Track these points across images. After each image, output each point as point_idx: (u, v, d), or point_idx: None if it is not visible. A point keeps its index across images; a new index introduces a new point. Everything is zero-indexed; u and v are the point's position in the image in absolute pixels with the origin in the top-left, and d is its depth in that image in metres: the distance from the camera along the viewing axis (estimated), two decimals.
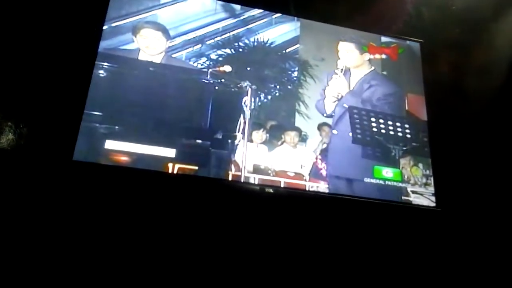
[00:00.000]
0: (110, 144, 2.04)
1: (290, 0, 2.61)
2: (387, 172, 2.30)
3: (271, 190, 2.13)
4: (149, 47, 2.27)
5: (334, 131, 2.34)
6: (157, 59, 2.28)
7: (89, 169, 1.97)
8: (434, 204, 2.29)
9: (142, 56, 2.26)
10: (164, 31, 2.31)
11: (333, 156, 2.29)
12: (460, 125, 2.63)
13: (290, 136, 2.28)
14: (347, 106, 2.39)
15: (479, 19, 2.96)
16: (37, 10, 2.19)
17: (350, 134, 2.35)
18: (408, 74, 2.62)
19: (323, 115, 2.38)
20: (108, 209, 1.97)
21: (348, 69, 2.50)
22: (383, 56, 2.59)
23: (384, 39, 2.66)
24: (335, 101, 2.41)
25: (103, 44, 2.23)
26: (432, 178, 2.35)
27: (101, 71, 2.17)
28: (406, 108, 2.51)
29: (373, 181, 2.27)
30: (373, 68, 2.54)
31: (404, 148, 2.40)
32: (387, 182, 2.29)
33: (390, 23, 2.77)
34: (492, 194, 2.47)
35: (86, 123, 2.05)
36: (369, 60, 2.55)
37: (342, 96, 2.43)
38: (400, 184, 2.30)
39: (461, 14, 2.96)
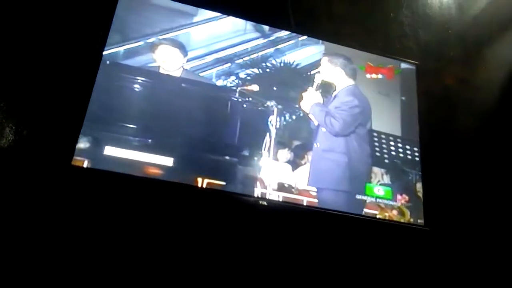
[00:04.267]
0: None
1: (290, 16, 2.70)
2: (379, 190, 2.38)
3: (265, 203, 2.19)
4: (166, 61, 2.34)
5: (315, 144, 2.40)
6: (176, 74, 2.35)
7: (112, 177, 2.04)
8: (422, 223, 2.36)
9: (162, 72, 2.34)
10: (181, 47, 2.38)
11: (320, 171, 2.35)
12: (451, 146, 2.73)
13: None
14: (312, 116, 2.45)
15: (474, 42, 3.09)
16: (43, 11, 2.25)
17: (318, 144, 2.40)
18: (400, 93, 2.69)
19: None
20: (129, 220, 2.05)
21: (330, 84, 2.54)
22: (380, 76, 2.67)
23: (381, 59, 2.72)
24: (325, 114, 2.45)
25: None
26: (422, 197, 2.42)
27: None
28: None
29: (364, 198, 2.35)
30: (353, 84, 2.56)
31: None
32: (378, 200, 2.36)
33: (388, 43, 2.89)
34: (482, 214, 2.57)
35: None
36: (354, 75, 2.59)
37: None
38: (391, 203, 2.38)
39: (457, 38, 3.08)
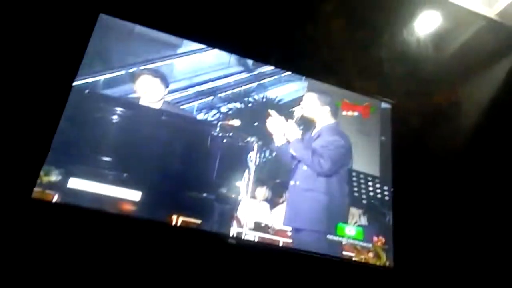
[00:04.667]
0: (115, 191, 2.06)
1: (271, 51, 2.70)
2: (350, 230, 2.37)
3: (234, 242, 2.15)
4: (147, 92, 2.30)
5: (292, 182, 2.38)
6: (157, 106, 2.32)
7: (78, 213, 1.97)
8: (392, 265, 2.36)
9: (142, 103, 2.30)
10: (162, 77, 2.35)
11: (293, 209, 2.33)
12: (424, 186, 2.75)
13: None
14: (294, 153, 2.43)
15: (448, 81, 3.16)
16: (17, 37, 2.19)
17: (298, 182, 2.38)
18: (380, 132, 2.71)
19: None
20: (99, 258, 1.98)
21: (311, 120, 2.55)
22: (355, 113, 2.70)
23: (357, 96, 2.75)
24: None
25: (114, 91, 2.26)
26: (391, 238, 2.42)
27: (111, 115, 2.20)
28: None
29: (335, 238, 2.33)
30: (334, 122, 2.58)
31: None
32: (348, 240, 2.35)
33: (365, 82, 2.92)
34: (453, 256, 2.58)
35: (91, 168, 2.07)
36: (335, 113, 2.61)
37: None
38: (361, 243, 2.37)
39: (434, 77, 3.14)
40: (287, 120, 2.51)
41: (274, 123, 2.46)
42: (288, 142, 2.45)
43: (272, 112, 2.48)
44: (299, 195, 2.37)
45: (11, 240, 1.86)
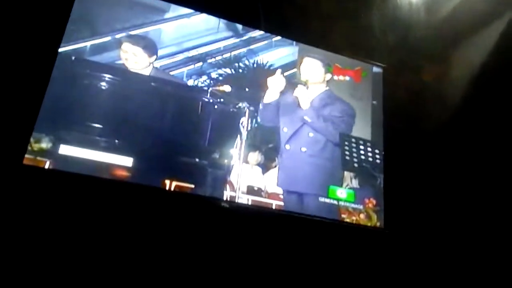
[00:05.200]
0: (107, 158, 2.05)
1: (261, 16, 2.66)
2: (341, 193, 2.40)
3: (227, 205, 2.19)
4: (128, 60, 2.26)
5: (287, 146, 2.40)
6: (146, 72, 2.28)
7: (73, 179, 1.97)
8: (382, 226, 2.41)
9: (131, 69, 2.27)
10: (146, 47, 2.29)
11: (288, 173, 2.36)
12: (416, 149, 2.77)
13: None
14: (309, 120, 2.45)
15: (440, 46, 3.13)
16: None
17: (304, 149, 2.40)
18: (372, 97, 2.71)
19: (283, 129, 2.43)
20: (95, 223, 1.99)
21: (308, 85, 2.54)
22: (347, 78, 2.69)
23: (348, 61, 2.74)
24: (292, 114, 2.46)
25: (101, 58, 2.22)
26: (382, 200, 2.46)
27: (98, 82, 2.17)
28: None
29: (327, 200, 2.37)
30: (328, 88, 2.60)
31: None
32: (340, 203, 2.39)
33: (357, 46, 2.89)
34: (441, 218, 2.62)
35: (82, 134, 2.05)
36: (328, 80, 2.62)
37: (300, 109, 2.48)
38: (353, 205, 2.41)
39: (425, 40, 3.10)
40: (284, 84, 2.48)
41: (276, 81, 2.44)
42: (300, 108, 2.45)
43: (278, 71, 2.47)
44: (299, 160, 2.39)
45: (4, 206, 1.85)
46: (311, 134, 2.42)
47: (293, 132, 2.43)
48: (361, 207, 2.41)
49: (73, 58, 2.15)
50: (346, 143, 2.50)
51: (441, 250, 2.52)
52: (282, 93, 2.46)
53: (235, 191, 2.20)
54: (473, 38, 3.24)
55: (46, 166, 1.93)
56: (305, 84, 2.50)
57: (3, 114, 1.96)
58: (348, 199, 2.39)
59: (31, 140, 1.94)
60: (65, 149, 1.98)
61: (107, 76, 2.18)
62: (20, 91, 2.02)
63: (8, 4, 2.13)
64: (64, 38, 2.16)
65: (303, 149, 2.39)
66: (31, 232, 1.87)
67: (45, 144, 1.95)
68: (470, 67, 3.15)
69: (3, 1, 2.12)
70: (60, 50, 2.12)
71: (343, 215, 2.36)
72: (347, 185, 2.44)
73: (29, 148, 1.93)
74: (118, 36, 2.28)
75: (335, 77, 2.66)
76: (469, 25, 3.22)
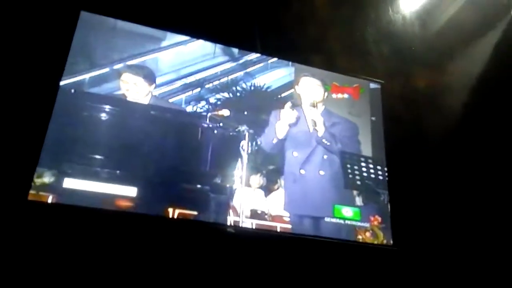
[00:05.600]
0: (109, 189, 2.06)
1: (257, 38, 2.69)
2: (347, 212, 2.38)
3: (232, 230, 2.17)
4: (129, 90, 2.28)
5: (302, 171, 2.40)
6: (145, 101, 2.31)
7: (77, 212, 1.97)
8: (389, 243, 2.38)
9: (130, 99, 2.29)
10: (145, 75, 2.32)
11: (298, 197, 2.35)
12: (418, 164, 2.76)
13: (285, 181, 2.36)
14: (327, 143, 2.47)
15: (437, 59, 3.15)
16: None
17: (322, 172, 2.41)
18: (370, 113, 2.72)
19: (292, 153, 2.43)
20: (100, 255, 1.98)
21: (314, 105, 2.57)
22: (346, 96, 2.70)
23: (346, 79, 2.75)
24: (305, 138, 2.47)
25: (100, 89, 2.25)
26: (387, 217, 2.44)
27: (99, 113, 2.19)
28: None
29: (333, 220, 2.35)
30: (324, 107, 2.61)
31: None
32: (346, 222, 2.37)
33: (353, 63, 2.92)
34: (449, 232, 2.60)
35: (84, 167, 2.06)
36: (325, 99, 2.63)
37: (316, 132, 2.50)
38: (359, 224, 2.39)
39: (421, 54, 3.13)
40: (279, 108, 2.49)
41: (287, 115, 2.47)
42: (315, 131, 2.48)
43: (287, 104, 2.50)
44: (315, 183, 2.39)
45: (10, 242, 1.85)
46: (325, 156, 2.43)
47: (306, 156, 2.43)
48: (367, 225, 2.39)
49: (72, 90, 2.17)
50: (348, 161, 2.50)
51: (452, 264, 2.48)
52: (291, 124, 2.47)
53: (239, 216, 2.20)
54: (469, 48, 3.27)
55: (49, 201, 1.93)
56: (314, 105, 2.50)
57: (5, 150, 1.97)
58: (354, 218, 2.37)
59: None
60: (67, 183, 1.99)
61: (107, 107, 2.20)
62: (23, 127, 2.04)
63: (5, 39, 2.16)
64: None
65: (321, 172, 2.41)
66: (38, 266, 1.86)
67: (47, 179, 1.96)
68: (467, 77, 3.16)
69: (2, 37, 2.15)
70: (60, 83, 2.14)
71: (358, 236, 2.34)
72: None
73: (32, 183, 1.93)
74: (116, 67, 2.31)
75: (334, 96, 2.67)
76: (464, 36, 3.26)
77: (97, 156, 2.09)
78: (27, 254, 1.87)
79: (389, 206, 2.47)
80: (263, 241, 2.22)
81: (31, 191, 1.92)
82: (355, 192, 2.45)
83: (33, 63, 2.17)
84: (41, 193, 1.93)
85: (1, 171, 1.92)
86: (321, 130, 2.50)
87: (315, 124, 2.51)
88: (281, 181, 2.37)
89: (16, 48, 2.18)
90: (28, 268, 1.85)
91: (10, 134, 2.02)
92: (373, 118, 2.72)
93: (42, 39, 2.23)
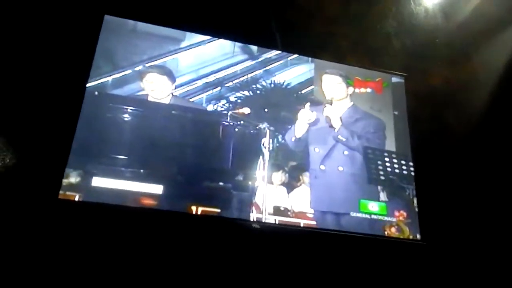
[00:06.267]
0: (134, 187, 2.09)
1: (277, 35, 2.68)
2: (373, 206, 2.34)
3: (258, 226, 2.16)
4: (154, 90, 2.32)
5: (322, 167, 2.38)
6: (166, 101, 2.34)
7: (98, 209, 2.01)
8: (419, 238, 2.33)
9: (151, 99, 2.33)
10: (169, 74, 2.37)
11: (322, 193, 2.33)
12: (444, 157, 2.70)
13: (308, 177, 2.34)
14: (343, 139, 2.44)
15: (461, 50, 3.08)
16: (26, 44, 2.24)
17: (341, 168, 2.39)
18: (392, 107, 2.67)
19: (314, 149, 2.42)
20: (124, 251, 2.02)
21: (333, 102, 2.53)
22: (368, 90, 2.66)
23: (368, 73, 2.71)
24: (325, 134, 2.45)
25: (122, 91, 2.29)
26: (412, 212, 2.39)
27: (122, 114, 2.22)
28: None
29: (359, 215, 2.31)
30: (352, 103, 2.59)
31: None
32: (372, 216, 2.33)
33: (375, 57, 2.87)
34: (477, 226, 2.53)
35: (109, 167, 2.10)
36: (351, 94, 2.61)
37: (333, 129, 2.47)
38: (386, 218, 2.34)
39: (445, 44, 3.07)
40: (299, 105, 2.48)
41: (305, 115, 2.46)
42: (332, 128, 2.45)
43: (307, 102, 2.49)
44: (336, 179, 2.37)
45: (40, 240, 1.92)
46: (346, 152, 2.41)
47: (327, 152, 2.41)
48: (392, 220, 2.34)
49: (96, 93, 2.22)
50: (371, 156, 2.46)
51: (478, 259, 2.41)
52: (312, 121, 2.46)
53: (262, 213, 2.19)
54: (493, 41, 3.18)
55: (76, 199, 1.98)
56: (330, 102, 2.49)
57: (36, 152, 2.03)
58: (381, 212, 2.33)
59: None
60: (93, 182, 2.02)
61: (130, 108, 2.24)
62: (53, 129, 2.10)
63: (37, 44, 2.23)
64: None
65: (340, 168, 2.38)
66: (68, 260, 1.92)
67: (73, 179, 2.00)
68: (492, 69, 3.08)
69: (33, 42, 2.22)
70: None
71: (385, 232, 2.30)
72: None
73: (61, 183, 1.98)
74: (137, 68, 2.35)
75: (357, 90, 2.64)
76: (488, 27, 3.17)
77: (121, 156, 2.13)
78: (59, 249, 1.93)
79: (415, 201, 2.41)
80: (288, 237, 2.21)
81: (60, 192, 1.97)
82: (379, 188, 2.41)
83: (61, 67, 2.24)
84: (68, 192, 1.98)
85: (33, 171, 1.97)
86: (337, 126, 2.46)
87: (330, 120, 2.47)
88: (304, 178, 2.35)
89: (45, 52, 2.25)
90: (59, 261, 1.91)
91: (40, 136, 2.07)
92: (396, 113, 2.67)
93: (69, 43, 2.30)
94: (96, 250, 1.97)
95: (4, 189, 1.96)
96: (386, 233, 2.29)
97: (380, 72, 2.74)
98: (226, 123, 2.35)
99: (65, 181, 1.98)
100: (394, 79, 2.77)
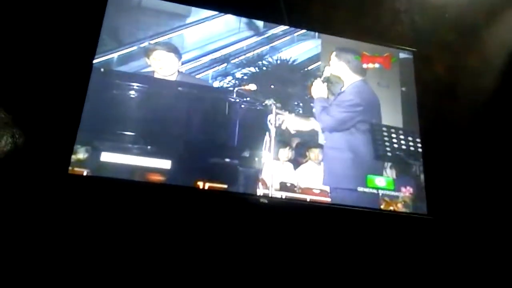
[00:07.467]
0: (141, 162, 2.10)
1: (283, 9, 2.64)
2: (380, 181, 2.34)
3: (266, 201, 2.17)
4: (162, 68, 2.31)
5: (329, 142, 2.38)
6: (172, 78, 2.33)
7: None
8: (425, 212, 2.33)
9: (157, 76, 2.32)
10: (176, 51, 2.35)
11: (330, 167, 2.34)
12: (452, 133, 2.68)
13: (315, 154, 2.34)
14: (350, 115, 2.44)
15: (472, 25, 3.00)
16: (31, 22, 2.22)
17: (348, 144, 2.39)
18: (400, 83, 2.64)
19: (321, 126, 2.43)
20: (132, 226, 2.04)
21: (338, 78, 2.52)
22: (377, 65, 2.62)
23: (376, 48, 2.67)
24: (331, 111, 2.44)
25: (128, 67, 2.28)
26: (424, 186, 2.39)
27: (128, 91, 2.22)
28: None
29: (366, 190, 2.32)
30: (361, 78, 2.56)
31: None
32: (380, 191, 2.33)
33: (383, 32, 2.82)
34: (486, 202, 2.52)
35: (117, 143, 2.11)
36: (360, 69, 2.57)
37: (339, 105, 2.47)
38: (393, 193, 2.34)
39: (454, 21, 2.99)
40: (305, 81, 2.48)
41: (317, 89, 2.46)
42: (339, 103, 2.45)
43: (317, 82, 2.48)
44: (326, 154, 2.37)
45: (51, 214, 1.95)
46: (353, 129, 2.41)
47: (334, 128, 2.41)
48: (400, 195, 2.34)
49: (102, 70, 2.22)
50: (377, 132, 2.45)
51: (486, 234, 2.42)
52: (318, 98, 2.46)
53: (268, 189, 2.20)
54: (507, 16, 3.10)
55: (84, 174, 2.00)
56: (338, 78, 2.49)
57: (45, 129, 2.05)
58: (388, 187, 2.33)
59: None
60: (101, 157, 2.04)
61: (136, 85, 2.24)
62: (61, 105, 2.11)
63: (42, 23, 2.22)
64: None
65: (347, 144, 2.38)
66: (79, 236, 1.96)
67: (81, 155, 2.02)
68: (504, 44, 3.01)
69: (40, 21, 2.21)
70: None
71: (381, 206, 2.30)
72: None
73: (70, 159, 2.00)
74: (143, 45, 2.33)
75: (364, 65, 2.61)
76: (502, 2, 3.08)
77: (127, 133, 2.14)
78: (70, 224, 1.97)
79: (421, 177, 2.41)
80: (295, 212, 2.22)
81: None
82: (385, 164, 2.40)
83: (68, 43, 2.22)
84: (76, 168, 2.00)
85: (43, 148, 1.99)
86: (344, 103, 2.46)
87: (337, 96, 2.47)
88: (310, 154, 2.35)
89: (51, 29, 2.23)
90: (71, 235, 1.95)
91: (48, 113, 2.08)
92: (403, 89, 2.64)
93: (75, 20, 2.27)
94: (104, 224, 2.00)
95: (14, 166, 1.98)
96: (391, 208, 2.29)
97: (389, 47, 2.69)
98: (232, 100, 2.35)
99: (73, 157, 2.00)
100: (402, 55, 2.72)
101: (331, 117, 2.41)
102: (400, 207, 2.31)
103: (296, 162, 2.31)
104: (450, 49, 2.94)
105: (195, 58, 2.41)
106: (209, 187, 2.12)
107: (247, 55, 2.50)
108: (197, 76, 2.39)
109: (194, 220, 2.11)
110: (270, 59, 2.52)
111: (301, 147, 2.34)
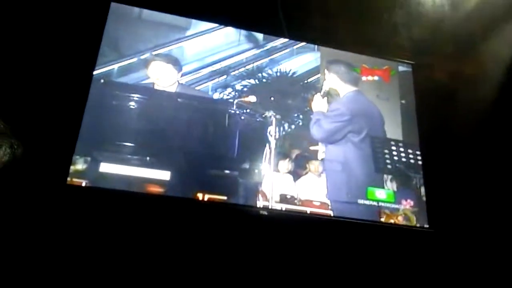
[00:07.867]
0: (140, 173, 2.08)
1: (282, 21, 2.66)
2: (380, 194, 2.33)
3: (265, 213, 2.16)
4: (159, 79, 2.31)
5: (329, 155, 2.37)
6: (172, 89, 2.33)
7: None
8: (427, 226, 2.31)
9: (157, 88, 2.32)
10: (175, 62, 2.35)
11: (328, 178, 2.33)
12: (452, 145, 2.67)
13: (315, 166, 2.34)
14: (349, 128, 2.43)
15: (469, 37, 3.03)
16: (32, 32, 2.23)
17: (348, 156, 2.38)
18: (399, 96, 2.65)
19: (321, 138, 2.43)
20: (131, 237, 2.02)
21: (335, 90, 2.53)
22: (376, 78, 2.63)
23: (376, 60, 2.69)
24: (331, 123, 2.44)
25: (128, 79, 2.28)
26: (419, 201, 2.37)
27: (128, 102, 2.22)
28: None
29: (366, 202, 2.30)
30: (358, 90, 2.57)
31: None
32: (380, 204, 2.31)
33: (382, 44, 2.85)
34: (487, 213, 2.50)
35: (116, 154, 2.10)
36: (358, 82, 2.58)
37: (338, 117, 2.47)
38: (394, 205, 2.33)
39: (452, 33, 3.02)
40: (304, 94, 2.49)
41: (318, 104, 2.47)
42: (338, 116, 2.46)
43: (316, 96, 2.48)
44: (325, 167, 2.36)
45: (49, 225, 1.93)
46: (353, 141, 2.41)
47: (334, 140, 2.41)
48: (400, 207, 2.33)
49: (102, 81, 2.21)
50: (378, 145, 2.45)
51: (486, 247, 2.40)
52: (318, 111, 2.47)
53: (268, 201, 2.18)
54: (502, 30, 3.14)
55: (83, 185, 1.98)
56: (336, 91, 2.50)
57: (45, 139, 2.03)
58: (388, 200, 2.32)
59: None
60: (100, 168, 2.03)
61: (136, 96, 2.23)
62: (61, 116, 2.10)
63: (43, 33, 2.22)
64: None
65: (347, 156, 2.37)
66: (78, 245, 1.93)
67: (80, 166, 2.01)
68: (500, 58, 3.04)
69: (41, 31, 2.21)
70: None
71: (381, 218, 2.29)
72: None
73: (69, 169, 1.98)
74: (143, 56, 2.34)
75: (363, 78, 2.62)
76: (497, 17, 3.13)
77: (127, 144, 2.13)
78: (68, 234, 1.94)
79: (422, 190, 2.40)
80: (295, 224, 2.20)
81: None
82: (385, 176, 2.39)
83: (68, 55, 2.23)
84: (74, 179, 1.98)
85: (42, 158, 1.97)
86: (343, 115, 2.46)
87: (336, 108, 2.47)
88: (310, 166, 2.34)
89: (52, 40, 2.24)
90: (68, 244, 1.92)
91: (48, 123, 2.07)
92: (403, 101, 2.65)
93: (76, 31, 2.28)
94: (103, 235, 1.97)
95: (12, 176, 1.96)
96: (391, 221, 2.28)
97: (387, 60, 2.71)
98: (232, 111, 2.34)
99: (72, 168, 1.98)
100: (401, 68, 2.74)
101: (320, 128, 2.41)
102: (400, 220, 2.29)
103: (296, 174, 2.30)
104: (449, 61, 2.96)
105: (195, 70, 2.42)
106: (208, 198, 2.10)
107: (247, 67, 2.51)
108: (197, 88, 2.39)
109: (193, 232, 2.08)
110: (270, 71, 2.53)
111: (301, 159, 2.33)
